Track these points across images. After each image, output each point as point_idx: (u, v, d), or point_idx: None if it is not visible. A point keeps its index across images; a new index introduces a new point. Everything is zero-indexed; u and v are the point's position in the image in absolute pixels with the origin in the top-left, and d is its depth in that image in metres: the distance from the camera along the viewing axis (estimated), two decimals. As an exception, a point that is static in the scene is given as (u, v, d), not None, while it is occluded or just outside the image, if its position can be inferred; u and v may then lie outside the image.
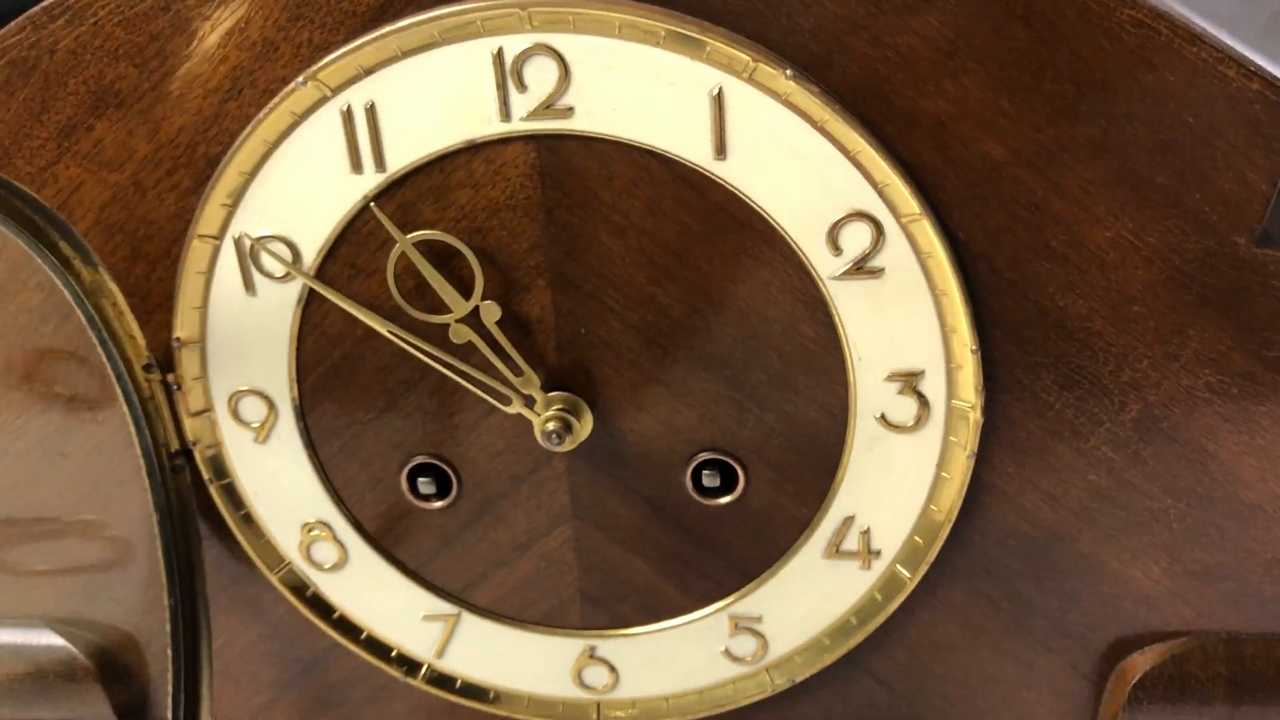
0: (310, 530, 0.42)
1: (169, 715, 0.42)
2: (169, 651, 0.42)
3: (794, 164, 0.35)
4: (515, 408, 0.39)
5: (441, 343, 0.38)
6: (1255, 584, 0.39)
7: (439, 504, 0.42)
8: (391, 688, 0.45)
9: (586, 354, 0.39)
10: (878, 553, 0.40)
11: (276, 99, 0.36)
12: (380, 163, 0.36)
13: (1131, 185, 0.34)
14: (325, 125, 0.36)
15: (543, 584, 0.43)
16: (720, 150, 0.35)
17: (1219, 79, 0.33)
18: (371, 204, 0.37)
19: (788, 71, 0.33)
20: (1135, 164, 0.34)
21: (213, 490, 0.42)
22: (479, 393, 0.38)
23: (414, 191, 0.37)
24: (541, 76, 0.34)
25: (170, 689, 0.42)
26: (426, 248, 0.37)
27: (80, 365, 0.41)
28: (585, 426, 0.39)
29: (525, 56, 0.34)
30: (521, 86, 0.35)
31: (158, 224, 0.38)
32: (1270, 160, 0.34)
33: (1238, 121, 0.33)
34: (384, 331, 0.38)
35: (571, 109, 0.35)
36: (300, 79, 0.35)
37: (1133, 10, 0.32)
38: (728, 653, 0.43)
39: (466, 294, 0.37)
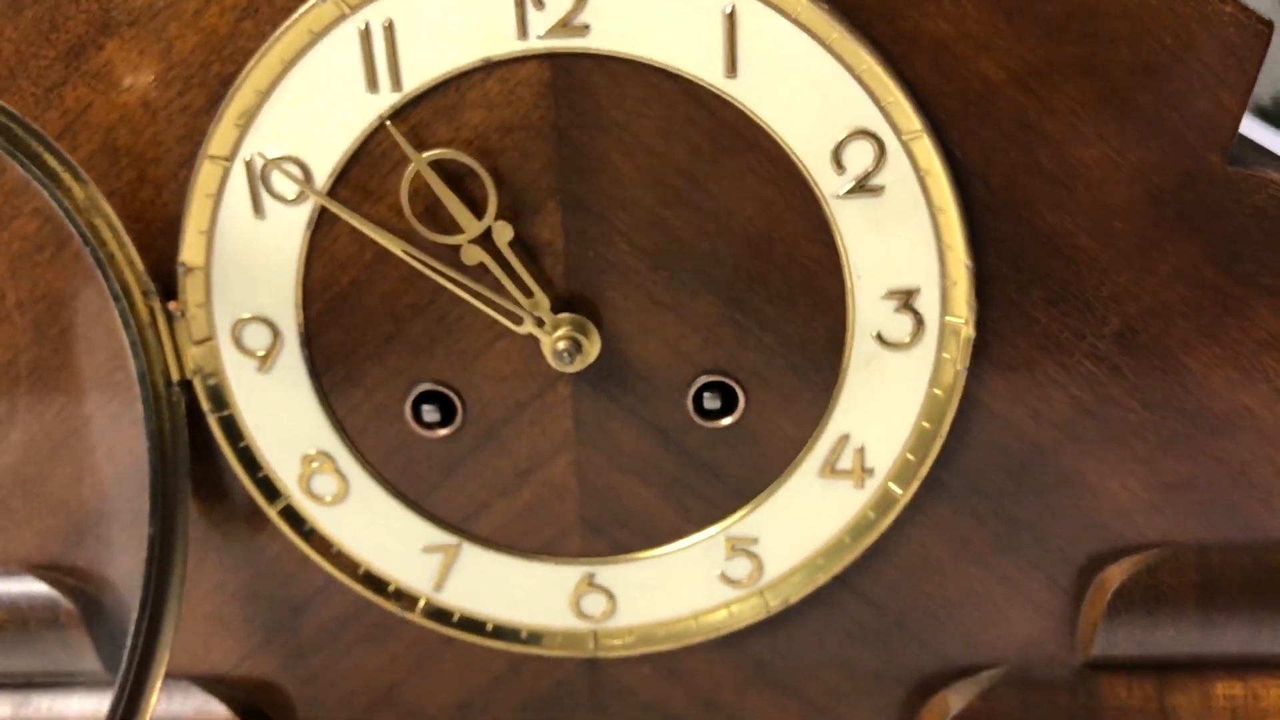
0: (311, 462, 0.43)
1: (129, 642, 0.41)
2: (140, 580, 0.41)
3: (802, 82, 0.36)
4: (526, 328, 0.39)
5: (451, 266, 0.39)
6: (1223, 493, 0.42)
7: (443, 432, 0.42)
8: (386, 624, 0.45)
9: (595, 276, 0.40)
10: (871, 470, 0.42)
11: (294, 16, 0.36)
12: (396, 82, 0.37)
13: (1115, 105, 0.37)
14: (342, 43, 0.36)
15: (544, 511, 0.43)
16: (731, 68, 0.36)
17: (1195, 1, 0.35)
18: (388, 122, 0.37)
19: (799, -10, 0.35)
20: (1119, 84, 0.36)
21: (212, 421, 0.42)
22: (491, 312, 0.39)
23: (428, 111, 0.38)
24: (560, -4, 0.36)
25: (134, 616, 0.41)
26: (439, 169, 0.38)
27: (74, 296, 0.41)
28: (594, 347, 0.40)
29: (544, -26, 0.35)
30: (539, 4, 0.36)
31: (166, 146, 0.38)
32: (1241, 79, 0.36)
33: (1212, 43, 0.36)
34: (398, 251, 0.38)
35: (587, 26, 0.36)
36: (320, -4, 0.36)
37: (1118, -63, 0.35)
38: (724, 576, 0.44)
39: (478, 215, 0.38)
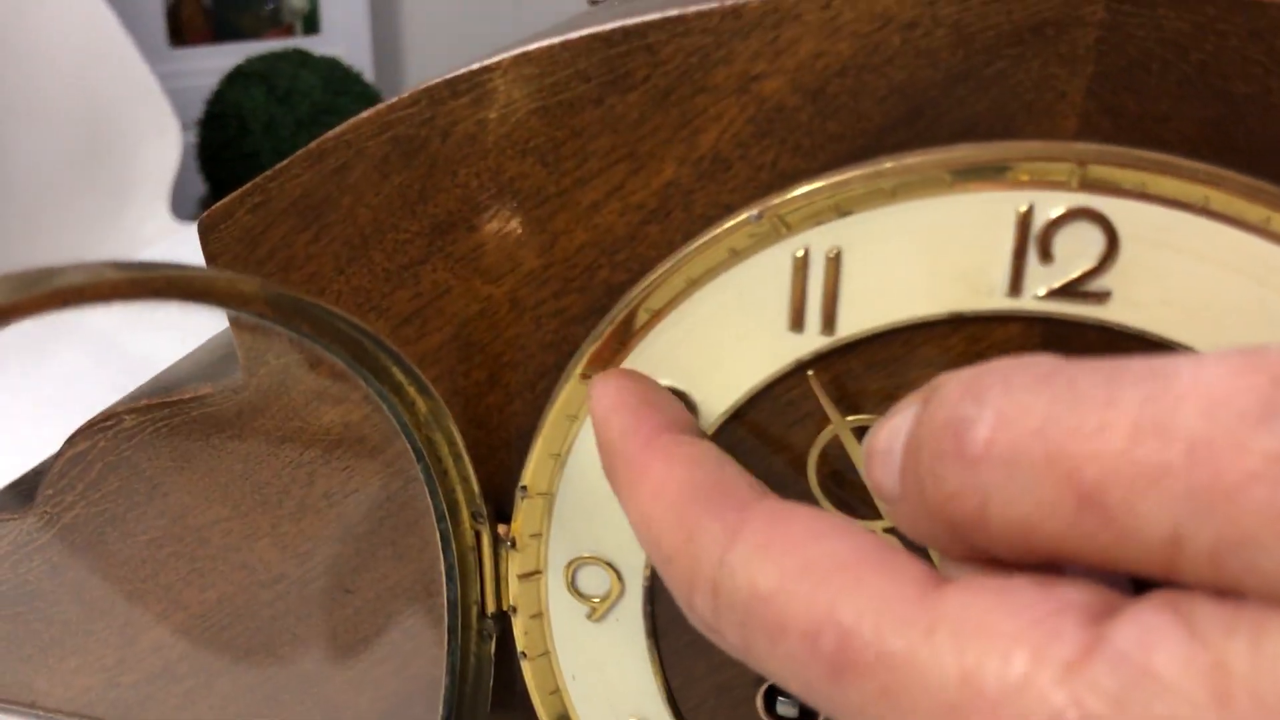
0: (630, 731, 0.35)
1: None
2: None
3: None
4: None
5: (849, 544, 0.30)
6: None
7: (797, 730, 0.34)
8: None
9: (1039, 590, 0.30)
10: None
11: (716, 229, 0.28)
12: (829, 324, 0.28)
13: None
14: (771, 270, 0.28)
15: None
16: (1303, 376, 0.26)
17: None
18: (809, 373, 0.29)
19: None
20: None
21: (525, 666, 0.34)
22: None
23: (861, 362, 0.29)
24: (1077, 248, 0.26)
25: None
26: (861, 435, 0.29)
27: (391, 498, 0.34)
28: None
29: (1062, 221, 0.26)
30: (1047, 257, 0.26)
31: (528, 351, 0.31)
32: None
33: None
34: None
35: (1108, 294, 0.27)
36: (754, 211, 0.27)
37: None
38: None
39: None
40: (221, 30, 2.05)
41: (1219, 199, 0.25)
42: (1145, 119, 0.25)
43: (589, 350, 0.30)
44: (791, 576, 0.19)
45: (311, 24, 2.16)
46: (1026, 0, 0.25)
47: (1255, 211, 0.25)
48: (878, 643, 0.17)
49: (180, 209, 1.26)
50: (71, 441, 0.36)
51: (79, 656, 0.40)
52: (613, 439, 0.27)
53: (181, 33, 2.03)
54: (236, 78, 1.67)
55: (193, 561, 0.37)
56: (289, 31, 2.17)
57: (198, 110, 1.69)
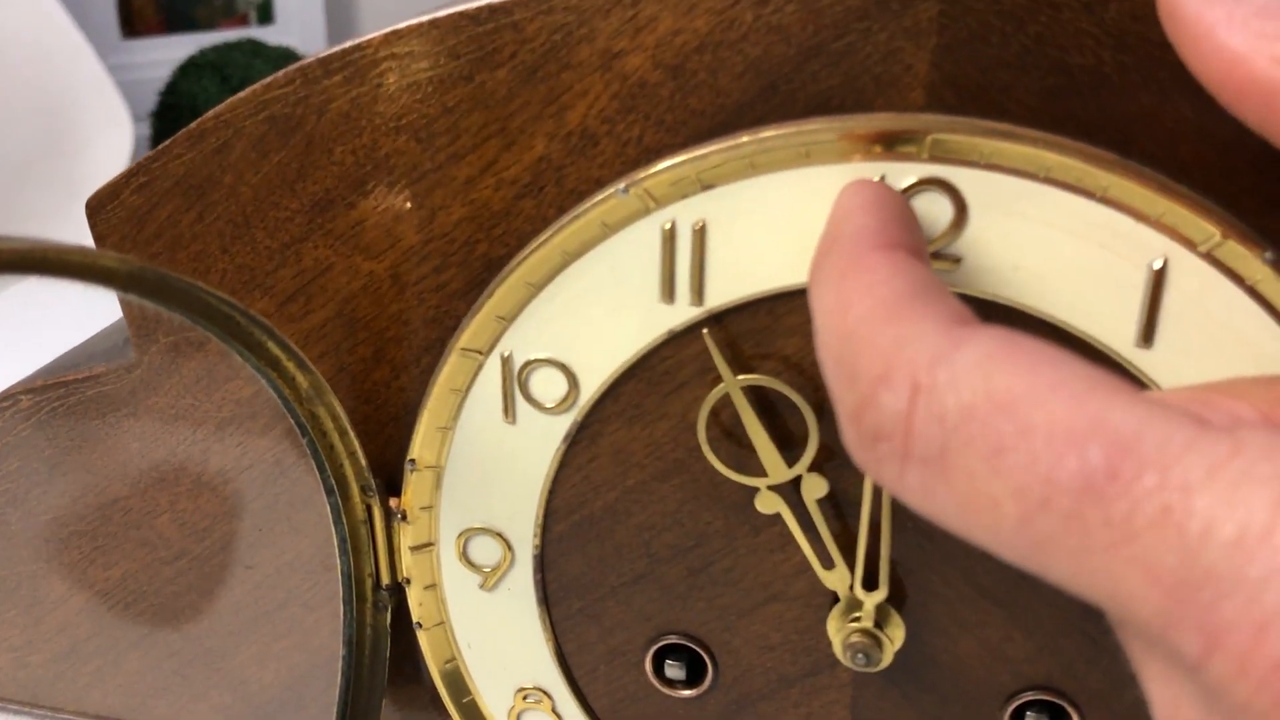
0: (526, 697, 0.35)
1: None
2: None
3: (1243, 369, 0.27)
4: (805, 599, 0.31)
5: (733, 509, 0.31)
6: None
7: (686, 693, 0.34)
8: None
9: (911, 553, 0.31)
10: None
11: (587, 204, 0.29)
12: (698, 294, 0.29)
13: None
14: (640, 242, 0.29)
15: (796, 806, 0.35)
16: (1146, 337, 0.27)
17: None
18: (704, 332, 0.30)
19: (1268, 254, 0.25)
20: None
21: (421, 636, 0.35)
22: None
23: (729, 333, 0.30)
24: (929, 216, 0.27)
25: None
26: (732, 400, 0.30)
27: (284, 474, 0.35)
28: (895, 642, 0.31)
29: (913, 191, 0.27)
30: (900, 225, 0.27)
31: (412, 326, 0.32)
32: None
33: None
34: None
35: (959, 260, 0.27)
36: (621, 185, 0.28)
37: None
38: None
39: (787, 459, 0.30)
40: (174, 21, 2.03)
41: (1060, 167, 0.26)
42: (988, 90, 0.26)
43: (470, 325, 0.31)
44: (1043, 388, 0.17)
45: (266, 14, 2.15)
46: (872, -25, 0.26)
47: (1096, 178, 0.26)
48: (1164, 459, 0.16)
49: (129, 200, 1.25)
50: (-28, 423, 0.37)
51: (-10, 638, 0.40)
52: (845, 232, 0.24)
53: (133, 23, 2.01)
54: (189, 69, 1.66)
55: (95, 540, 0.37)
56: (243, 21, 2.15)
57: (150, 102, 1.67)
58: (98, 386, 0.35)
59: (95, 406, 0.35)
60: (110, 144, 1.42)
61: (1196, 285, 0.26)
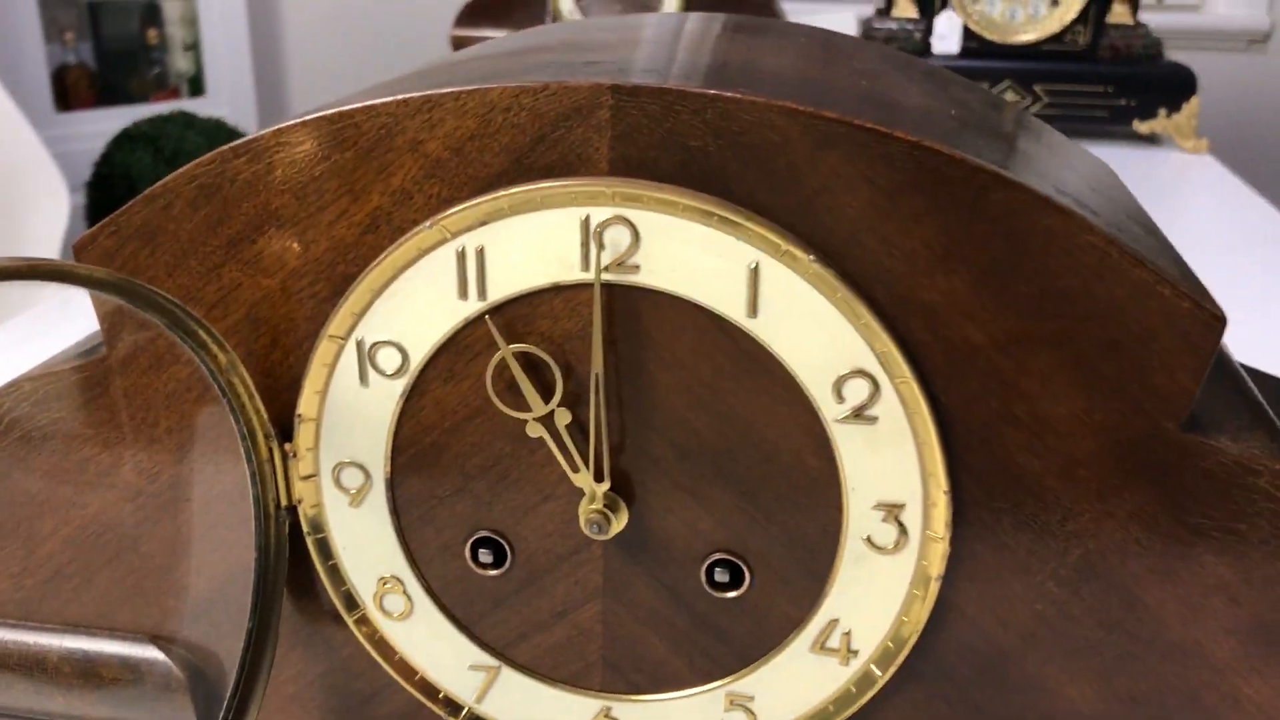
0: (385, 583, 0.51)
1: (223, 709, 0.50)
2: (237, 662, 0.50)
3: (810, 326, 0.43)
4: (567, 497, 0.47)
5: (515, 438, 0.47)
6: (1173, 713, 0.47)
7: (494, 572, 0.50)
8: (434, 725, 0.53)
9: (631, 460, 0.47)
10: (856, 652, 0.48)
11: (406, 237, 0.45)
12: (482, 293, 0.45)
13: (1083, 373, 0.43)
14: (443, 260, 0.45)
15: (572, 649, 0.51)
16: (753, 310, 0.44)
17: (1156, 296, 0.41)
18: (486, 317, 0.46)
19: (810, 256, 0.42)
20: (1087, 356, 0.42)
21: (310, 542, 0.50)
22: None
23: (505, 318, 0.46)
24: (618, 240, 0.43)
25: (229, 691, 0.50)
26: (512, 360, 0.46)
27: (211, 429, 0.50)
28: (620, 521, 0.47)
29: (606, 224, 0.43)
30: (601, 245, 0.44)
31: (296, 322, 0.47)
32: (1197, 364, 0.42)
33: (1171, 331, 0.41)
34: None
35: (638, 266, 0.44)
36: (428, 224, 0.44)
37: (1090, 235, 0.41)
38: (723, 725, 0.50)
39: (545, 400, 0.46)
40: (107, 94, 2.16)
41: (689, 209, 0.43)
42: (645, 162, 0.43)
43: (334, 319, 0.46)
44: None
45: (197, 86, 2.29)
46: (571, 92, 0.42)
47: (710, 213, 0.42)
48: None
49: (70, 262, 1.37)
50: (-15, 405, 0.51)
51: (-7, 571, 0.55)
52: None
53: (67, 97, 2.14)
54: (124, 140, 1.79)
55: (75, 485, 0.52)
56: (175, 94, 2.28)
57: (85, 173, 1.79)
58: (80, 374, 0.50)
59: (80, 387, 0.50)
60: (48, 214, 1.53)
61: (777, 277, 0.43)
